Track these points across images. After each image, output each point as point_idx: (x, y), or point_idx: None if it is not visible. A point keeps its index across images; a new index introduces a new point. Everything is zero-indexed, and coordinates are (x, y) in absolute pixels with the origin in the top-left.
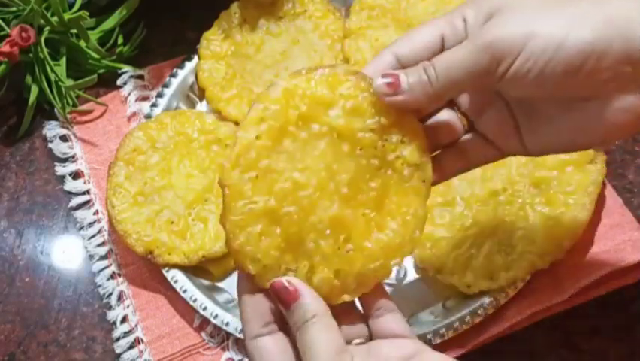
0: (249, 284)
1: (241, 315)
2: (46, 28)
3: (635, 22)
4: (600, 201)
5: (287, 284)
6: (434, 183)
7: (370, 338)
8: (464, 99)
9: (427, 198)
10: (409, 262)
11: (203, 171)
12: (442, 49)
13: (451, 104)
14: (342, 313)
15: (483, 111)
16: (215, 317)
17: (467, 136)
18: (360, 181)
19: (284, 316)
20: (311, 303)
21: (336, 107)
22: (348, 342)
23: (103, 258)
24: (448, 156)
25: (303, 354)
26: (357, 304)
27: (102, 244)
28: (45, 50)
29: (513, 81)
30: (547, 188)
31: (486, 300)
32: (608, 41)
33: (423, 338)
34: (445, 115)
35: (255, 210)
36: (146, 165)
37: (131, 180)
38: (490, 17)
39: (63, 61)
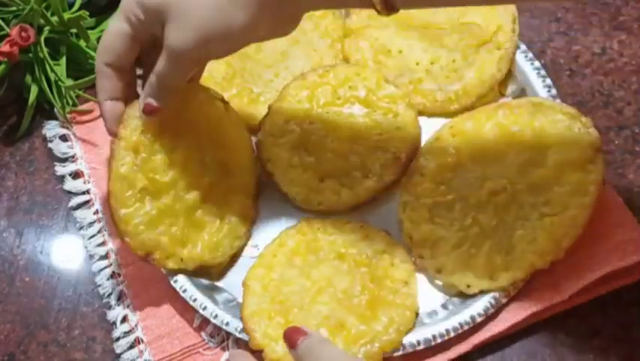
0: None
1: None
2: (46, 28)
3: None
4: (600, 201)
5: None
6: None
7: None
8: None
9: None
10: (409, 261)
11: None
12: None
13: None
14: None
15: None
16: (215, 316)
17: None
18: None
19: None
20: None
21: None
22: None
23: (103, 258)
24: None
25: None
26: None
27: (102, 244)
28: (45, 49)
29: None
30: (547, 188)
31: (487, 300)
32: None
33: (424, 339)
34: None
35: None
36: (163, 160)
37: (141, 173)
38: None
39: (63, 60)
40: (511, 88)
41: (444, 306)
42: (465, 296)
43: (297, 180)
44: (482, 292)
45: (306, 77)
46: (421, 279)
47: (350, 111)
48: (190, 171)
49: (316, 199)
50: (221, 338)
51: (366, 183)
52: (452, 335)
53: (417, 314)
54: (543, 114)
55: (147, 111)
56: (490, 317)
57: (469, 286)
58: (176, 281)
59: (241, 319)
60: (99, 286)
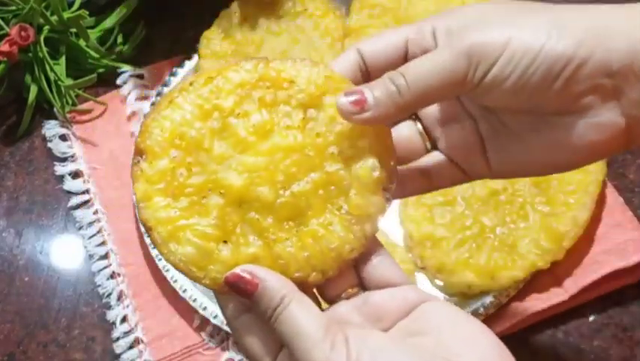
0: (235, 308)
1: (247, 348)
2: (46, 28)
3: (616, 32)
4: (601, 201)
5: (241, 273)
6: (393, 198)
7: (363, 288)
8: (427, 114)
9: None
10: (409, 262)
11: None
12: (406, 54)
13: (414, 118)
14: None
15: (447, 127)
16: (215, 316)
17: (430, 156)
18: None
19: None
20: (273, 284)
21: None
22: (338, 296)
23: (102, 257)
24: (409, 174)
25: (286, 341)
26: None
27: (102, 244)
28: (44, 49)
29: (489, 88)
30: (548, 187)
31: (488, 300)
32: (588, 50)
33: None
34: (406, 130)
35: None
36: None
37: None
38: (465, 27)
39: (62, 60)
40: None
41: None
42: (466, 296)
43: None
44: (483, 292)
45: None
46: (421, 279)
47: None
48: None
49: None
50: (221, 338)
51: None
52: None
53: None
54: None
55: (349, 94)
56: (491, 316)
57: (469, 287)
58: (175, 281)
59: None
60: (99, 286)
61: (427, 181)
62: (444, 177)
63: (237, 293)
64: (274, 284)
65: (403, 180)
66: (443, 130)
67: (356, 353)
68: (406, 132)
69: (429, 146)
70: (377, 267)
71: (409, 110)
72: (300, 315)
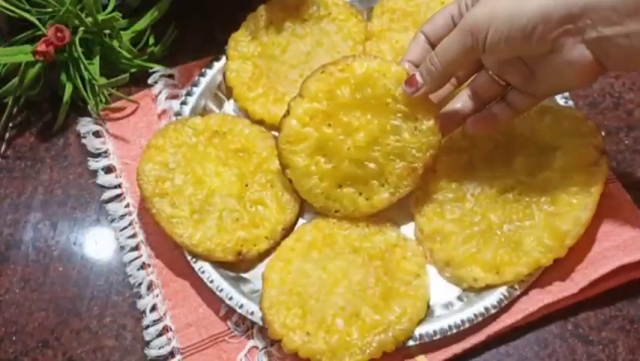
0: None
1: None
2: (81, 29)
3: None
4: (606, 200)
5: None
6: (493, 128)
7: None
8: (489, 63)
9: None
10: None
11: (225, 164)
12: (454, 25)
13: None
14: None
15: (505, 68)
16: (241, 306)
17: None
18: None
19: None
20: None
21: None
22: None
23: (133, 249)
24: (497, 108)
25: None
26: None
27: (133, 236)
28: (79, 49)
29: (491, 50)
30: (553, 188)
31: (501, 292)
32: (550, 7)
33: (440, 329)
34: (482, 78)
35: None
36: (177, 187)
37: (176, 206)
38: (472, 5)
39: (96, 60)
40: None
41: (459, 298)
42: (479, 289)
43: (315, 188)
44: (489, 286)
45: (326, 70)
46: (431, 271)
47: (368, 115)
48: None
49: (334, 207)
50: (246, 326)
51: (382, 194)
52: (467, 325)
53: (428, 305)
54: (551, 117)
55: (408, 82)
56: (503, 308)
57: (475, 280)
58: (203, 272)
59: (260, 310)
60: (130, 276)
61: (512, 109)
62: (519, 102)
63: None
64: None
65: (495, 113)
66: (506, 71)
67: None
68: (483, 80)
69: (501, 82)
70: None
71: (446, 78)
72: None
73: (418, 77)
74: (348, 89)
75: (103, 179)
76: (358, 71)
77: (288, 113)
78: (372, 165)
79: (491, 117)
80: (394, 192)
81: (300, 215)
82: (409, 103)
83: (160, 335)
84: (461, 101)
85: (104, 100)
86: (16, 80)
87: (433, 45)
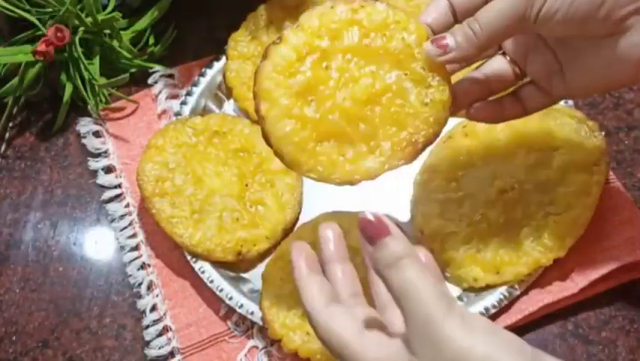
0: (307, 264)
1: (301, 296)
2: (81, 29)
3: None
4: (606, 200)
5: (376, 218)
6: (497, 121)
7: None
8: (510, 47)
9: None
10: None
11: (225, 164)
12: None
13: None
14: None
15: (528, 56)
16: (241, 306)
17: (520, 85)
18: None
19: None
20: (402, 240)
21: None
22: None
23: (133, 249)
24: (506, 102)
25: (402, 295)
26: None
27: (133, 236)
28: (79, 49)
29: (544, 22)
30: (553, 188)
31: (500, 292)
32: None
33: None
34: (497, 63)
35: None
36: (177, 187)
37: (176, 206)
38: None
39: (96, 60)
40: None
41: (459, 298)
42: (479, 289)
43: (292, 136)
44: (489, 286)
45: (336, 8)
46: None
47: (374, 66)
48: None
49: (307, 164)
50: (247, 326)
51: (368, 162)
52: None
53: None
54: (552, 117)
55: (436, 42)
56: (503, 308)
57: (475, 280)
58: (203, 272)
59: (260, 309)
60: (129, 276)
61: (521, 107)
62: (534, 101)
63: (367, 234)
64: (404, 238)
65: (503, 106)
66: (529, 60)
67: (468, 315)
68: (496, 66)
69: (517, 71)
70: None
71: (484, 48)
72: (424, 271)
73: (450, 40)
74: (358, 33)
75: (103, 179)
76: (375, 16)
77: (279, 40)
78: (363, 127)
79: (500, 109)
80: (384, 163)
81: (300, 215)
82: (426, 67)
83: (160, 335)
84: (467, 83)
85: (104, 100)
86: (16, 80)
87: (455, 15)
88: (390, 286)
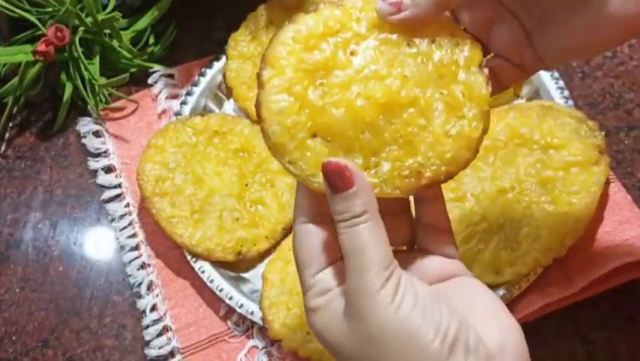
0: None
1: (296, 194)
2: (81, 29)
3: None
4: (606, 200)
5: (341, 168)
6: None
7: (412, 245)
8: (468, 19)
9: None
10: None
11: (225, 164)
12: None
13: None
14: (391, 213)
15: (495, 29)
16: (241, 306)
17: (490, 60)
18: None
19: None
20: (363, 197)
21: None
22: (390, 245)
23: (133, 249)
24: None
25: (349, 255)
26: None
27: (133, 236)
28: (79, 49)
29: None
30: (553, 188)
31: (500, 292)
32: None
33: None
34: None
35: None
36: (177, 187)
37: (176, 206)
38: None
39: (96, 60)
40: (525, 89)
41: None
42: None
43: (286, 113)
44: (489, 286)
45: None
46: None
47: (407, 71)
48: None
49: (291, 154)
50: (246, 326)
51: None
52: None
53: None
54: (552, 117)
55: (390, 3)
56: None
57: None
58: (203, 272)
59: (260, 309)
60: (129, 276)
61: (494, 83)
62: (506, 76)
63: (327, 181)
64: (367, 195)
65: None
66: (492, 33)
67: (403, 291)
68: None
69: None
70: (440, 243)
71: (446, 6)
72: (375, 236)
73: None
74: (405, 30)
75: (103, 179)
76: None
77: (314, 9)
78: (368, 136)
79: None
80: (374, 186)
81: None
82: (466, 94)
83: (160, 334)
84: None
85: (104, 100)
86: (16, 80)
87: None
88: (341, 241)
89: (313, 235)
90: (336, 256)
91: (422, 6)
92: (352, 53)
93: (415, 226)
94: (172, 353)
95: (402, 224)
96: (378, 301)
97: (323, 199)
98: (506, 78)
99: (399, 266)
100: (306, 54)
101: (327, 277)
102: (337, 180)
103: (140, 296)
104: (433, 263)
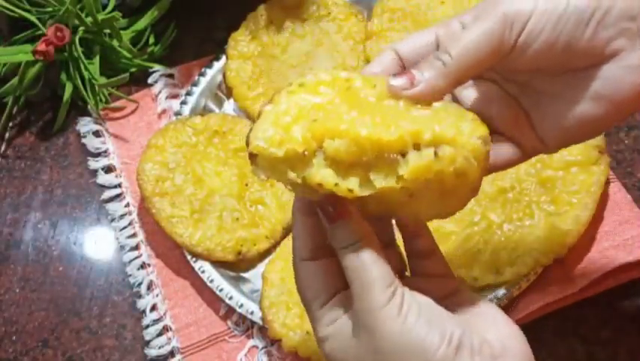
0: (305, 205)
1: (292, 233)
2: (81, 28)
3: None
4: (606, 200)
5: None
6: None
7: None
8: (468, 97)
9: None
10: None
11: (225, 164)
12: (437, 49)
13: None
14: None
15: (491, 108)
16: (241, 306)
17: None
18: None
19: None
20: (359, 223)
21: None
22: None
23: (133, 249)
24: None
25: (353, 277)
26: None
27: (133, 236)
28: (79, 49)
29: (525, 48)
30: (553, 187)
31: (500, 292)
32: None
33: None
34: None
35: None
36: (177, 187)
37: (176, 206)
38: (494, 2)
39: (96, 60)
40: None
41: None
42: (479, 289)
43: (290, 105)
44: (489, 286)
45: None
46: None
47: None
48: None
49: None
50: (246, 326)
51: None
52: None
53: None
54: None
55: (400, 74)
56: (503, 308)
57: (475, 280)
58: (203, 272)
59: (260, 309)
60: (130, 275)
61: (490, 164)
62: (504, 157)
63: (322, 212)
64: (361, 220)
65: None
66: (489, 111)
67: (407, 304)
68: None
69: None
70: (432, 265)
71: (455, 82)
72: (376, 257)
73: (416, 73)
74: None
75: (103, 179)
76: None
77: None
78: (365, 159)
79: None
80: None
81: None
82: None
83: (160, 334)
84: None
85: (104, 100)
86: (16, 79)
87: (404, 68)
88: (344, 267)
89: (315, 272)
90: (339, 285)
91: (433, 81)
92: (374, 86)
93: (402, 257)
94: (172, 353)
95: (390, 256)
96: (385, 315)
97: (320, 232)
98: (502, 158)
99: (400, 284)
100: (313, 96)
101: (334, 306)
102: (332, 211)
103: (140, 296)
104: (431, 284)
